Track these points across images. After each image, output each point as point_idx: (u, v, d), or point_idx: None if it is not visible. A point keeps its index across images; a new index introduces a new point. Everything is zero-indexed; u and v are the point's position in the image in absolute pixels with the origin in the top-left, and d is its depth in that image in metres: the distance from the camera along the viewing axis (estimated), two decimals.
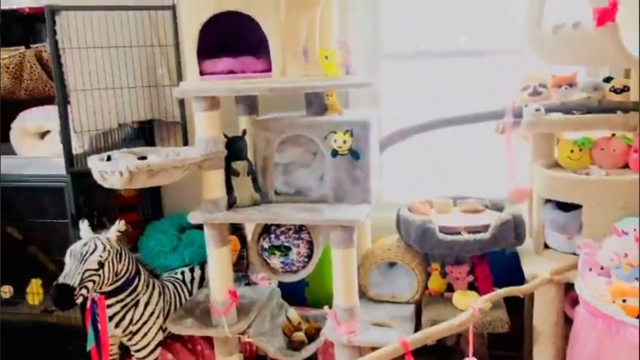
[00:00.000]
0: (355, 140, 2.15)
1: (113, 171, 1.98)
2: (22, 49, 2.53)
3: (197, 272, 2.59)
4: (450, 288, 2.34)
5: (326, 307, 2.14)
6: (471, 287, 2.32)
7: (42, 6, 2.26)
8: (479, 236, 2.19)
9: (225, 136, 2.25)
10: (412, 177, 2.88)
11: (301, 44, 2.24)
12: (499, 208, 2.38)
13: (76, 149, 2.38)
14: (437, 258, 2.37)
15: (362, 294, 2.32)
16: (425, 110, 2.65)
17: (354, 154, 2.16)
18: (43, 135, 2.58)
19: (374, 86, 2.31)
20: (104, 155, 2.18)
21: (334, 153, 2.17)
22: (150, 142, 2.84)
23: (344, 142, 2.14)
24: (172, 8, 2.40)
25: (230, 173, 2.21)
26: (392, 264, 2.41)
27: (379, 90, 2.77)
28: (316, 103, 2.36)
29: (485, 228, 2.21)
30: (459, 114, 2.47)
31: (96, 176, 2.06)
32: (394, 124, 2.62)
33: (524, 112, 2.29)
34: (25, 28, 2.80)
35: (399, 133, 2.54)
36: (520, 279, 2.17)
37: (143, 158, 2.25)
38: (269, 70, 2.19)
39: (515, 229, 2.22)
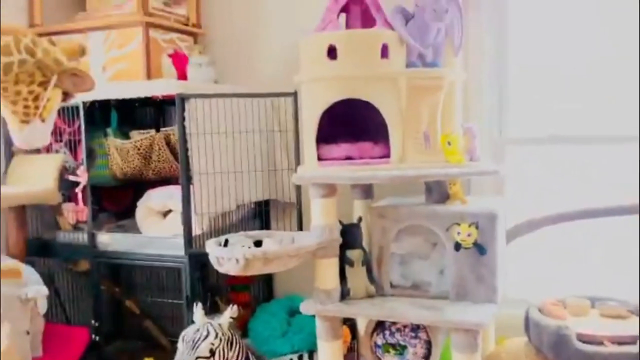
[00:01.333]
0: (480, 233, 2.00)
1: (229, 258, 1.97)
2: (152, 132, 2.68)
3: None
4: None
5: None
6: None
7: (173, 94, 2.36)
8: (626, 349, 1.90)
9: (341, 223, 2.18)
10: (540, 270, 2.62)
11: (422, 129, 2.17)
12: None
13: (196, 230, 2.41)
14: None
15: None
16: (556, 200, 2.43)
17: (480, 249, 1.99)
18: (165, 214, 2.65)
19: (499, 173, 2.15)
20: (222, 238, 2.19)
21: (457, 246, 2.02)
22: (266, 221, 2.83)
23: (469, 235, 1.99)
24: (294, 95, 2.42)
25: (344, 262, 2.13)
26: None
27: (504, 177, 2.59)
28: (437, 190, 2.23)
29: (634, 339, 1.91)
30: (598, 206, 2.23)
31: (213, 261, 2.06)
32: (521, 213, 2.41)
33: None
34: (157, 112, 2.98)
35: (527, 224, 2.33)
36: None
37: (258, 242, 2.24)
38: (387, 155, 2.14)
39: None
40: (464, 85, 2.39)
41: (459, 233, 2.01)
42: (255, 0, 2.95)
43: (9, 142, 2.70)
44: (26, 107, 1.65)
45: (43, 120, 1.69)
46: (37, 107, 1.66)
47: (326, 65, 2.12)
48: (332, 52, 2.11)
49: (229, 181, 2.48)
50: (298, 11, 2.85)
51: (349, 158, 2.17)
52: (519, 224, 2.37)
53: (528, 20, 2.61)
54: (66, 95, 1.75)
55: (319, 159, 2.18)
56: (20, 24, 2.79)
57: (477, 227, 1.99)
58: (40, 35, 2.70)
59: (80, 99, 2.38)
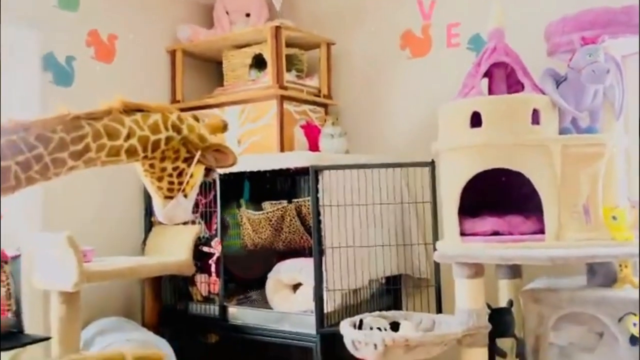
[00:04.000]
0: None
1: (367, 342, 1.81)
2: (284, 203, 2.65)
3: None
4: None
5: None
6: None
7: (307, 166, 2.33)
8: None
9: (489, 307, 1.96)
10: None
11: (581, 202, 1.95)
12: None
13: (327, 307, 2.28)
14: None
15: None
16: None
17: None
18: (295, 287, 2.57)
19: None
20: (356, 319, 2.04)
21: (634, 340, 1.71)
22: (396, 297, 2.65)
23: None
24: (431, 164, 2.28)
25: (494, 352, 1.89)
26: None
27: None
28: (602, 272, 1.95)
29: None
30: None
31: (348, 344, 1.91)
32: None
33: None
34: (289, 182, 2.97)
35: None
36: None
37: (395, 324, 2.07)
38: (540, 231, 1.94)
39: None
40: (627, 153, 2.12)
41: (635, 324, 1.71)
42: (385, 69, 2.91)
43: (148, 214, 2.80)
44: (170, 183, 1.65)
45: (186, 196, 1.68)
46: (180, 183, 1.66)
47: (470, 133, 1.99)
48: (475, 119, 1.98)
49: (363, 256, 2.36)
50: (431, 77, 2.76)
51: (495, 233, 1.99)
52: None
53: None
54: (208, 170, 1.75)
55: (462, 234, 2.01)
56: (163, 100, 2.95)
57: None
58: (181, 110, 2.87)
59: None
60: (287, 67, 2.73)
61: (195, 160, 1.65)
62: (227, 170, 2.43)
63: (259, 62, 2.84)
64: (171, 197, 1.68)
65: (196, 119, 1.77)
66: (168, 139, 1.61)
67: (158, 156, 1.62)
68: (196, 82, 3.11)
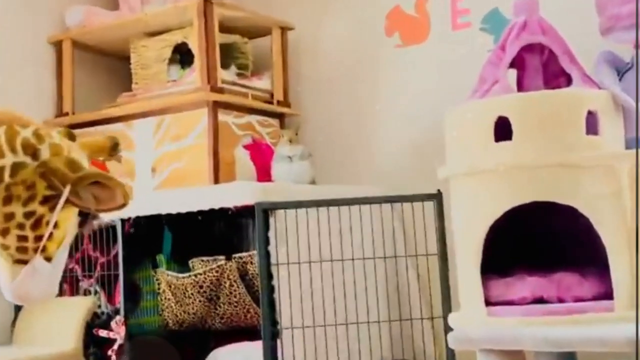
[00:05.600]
0: None
1: None
2: (221, 260, 2.48)
3: None
4: None
5: None
6: None
7: (251, 204, 2.14)
8: None
9: None
10: None
11: None
12: None
13: None
14: None
15: None
16: None
17: None
18: None
19: None
20: None
21: None
22: None
23: None
24: (437, 198, 2.07)
25: None
26: None
27: None
28: None
29: None
30: None
31: None
32: None
33: None
34: (228, 229, 2.80)
35: None
36: None
37: None
38: (605, 296, 1.76)
39: None
40: None
41: None
42: (365, 62, 2.84)
43: None
44: (22, 238, 1.36)
45: (49, 259, 1.40)
46: (39, 238, 1.38)
47: (494, 150, 1.79)
48: (502, 129, 1.79)
49: (337, 338, 2.15)
50: (432, 73, 2.69)
51: (539, 300, 1.79)
52: None
53: None
54: (86, 216, 1.47)
55: (488, 302, 1.81)
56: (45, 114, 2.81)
57: None
58: (71, 127, 2.70)
59: (117, 214, 2.17)
60: (223, 62, 2.65)
61: (62, 199, 1.37)
62: (135, 213, 2.33)
63: (182, 56, 2.78)
64: (24, 262, 1.39)
65: (71, 136, 1.49)
66: (16, 168, 1.34)
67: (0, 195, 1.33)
68: (93, 85, 3.02)
